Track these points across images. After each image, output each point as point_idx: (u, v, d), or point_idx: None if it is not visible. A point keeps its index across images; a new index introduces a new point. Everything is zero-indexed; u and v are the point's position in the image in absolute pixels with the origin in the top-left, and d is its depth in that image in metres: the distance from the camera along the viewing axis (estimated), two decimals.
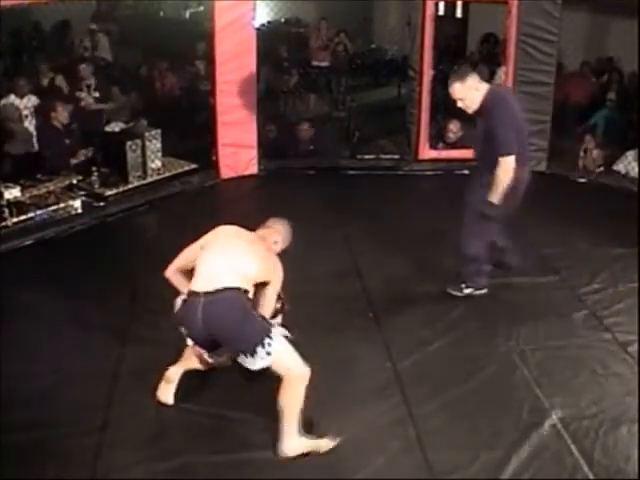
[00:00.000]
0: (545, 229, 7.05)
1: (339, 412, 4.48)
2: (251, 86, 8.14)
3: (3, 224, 6.83)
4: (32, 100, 8.72)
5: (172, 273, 4.60)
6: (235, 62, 7.95)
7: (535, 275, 6.24)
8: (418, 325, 5.52)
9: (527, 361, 5.08)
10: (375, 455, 4.18)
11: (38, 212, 7.08)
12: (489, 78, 10.50)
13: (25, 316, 5.53)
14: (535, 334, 5.40)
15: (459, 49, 12.08)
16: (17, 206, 7.00)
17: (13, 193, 7.03)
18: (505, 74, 8.64)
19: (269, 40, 10.65)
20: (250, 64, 8.07)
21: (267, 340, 4.08)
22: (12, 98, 8.66)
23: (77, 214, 7.30)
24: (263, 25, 11.08)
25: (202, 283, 4.22)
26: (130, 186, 7.77)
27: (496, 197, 5.36)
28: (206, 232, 4.57)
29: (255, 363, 4.11)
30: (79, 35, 11.54)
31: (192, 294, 4.22)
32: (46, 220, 7.06)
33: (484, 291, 5.91)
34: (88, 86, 9.45)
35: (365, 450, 4.24)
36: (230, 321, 4.18)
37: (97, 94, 9.45)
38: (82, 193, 7.49)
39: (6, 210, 6.91)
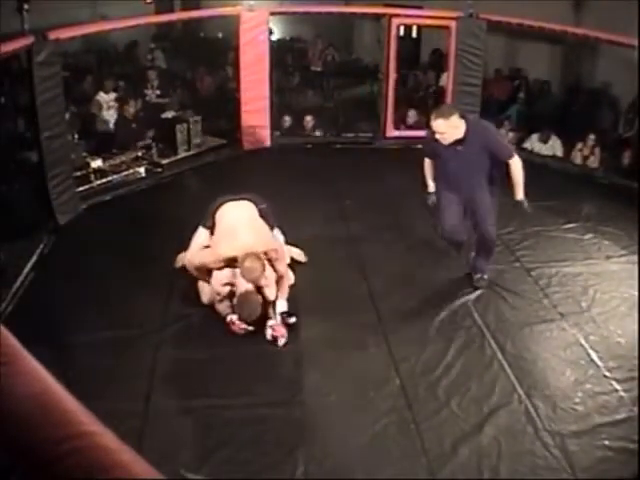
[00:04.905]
0: None
1: (320, 312, 4.52)
2: (266, 85, 7.93)
3: (90, 185, 6.71)
4: (113, 95, 8.51)
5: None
6: (254, 68, 7.74)
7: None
8: (386, 250, 5.52)
9: (464, 281, 5.08)
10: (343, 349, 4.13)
11: (114, 176, 6.94)
12: (436, 81, 10.35)
13: (105, 250, 5.52)
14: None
15: (415, 59, 11.84)
16: (100, 172, 6.90)
17: (97, 163, 6.95)
18: (447, 78, 8.47)
19: (279, 52, 10.37)
20: (265, 69, 7.84)
21: None
22: (101, 94, 8.51)
23: (142, 177, 7.15)
24: (274, 41, 10.81)
25: None
26: (179, 157, 7.62)
27: (522, 190, 4.70)
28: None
29: None
30: (143, 50, 11.34)
31: None
32: (120, 182, 6.92)
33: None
34: (152, 86, 9.29)
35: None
36: None
37: (158, 92, 9.29)
38: (145, 162, 7.33)
39: (92, 175, 6.82)
